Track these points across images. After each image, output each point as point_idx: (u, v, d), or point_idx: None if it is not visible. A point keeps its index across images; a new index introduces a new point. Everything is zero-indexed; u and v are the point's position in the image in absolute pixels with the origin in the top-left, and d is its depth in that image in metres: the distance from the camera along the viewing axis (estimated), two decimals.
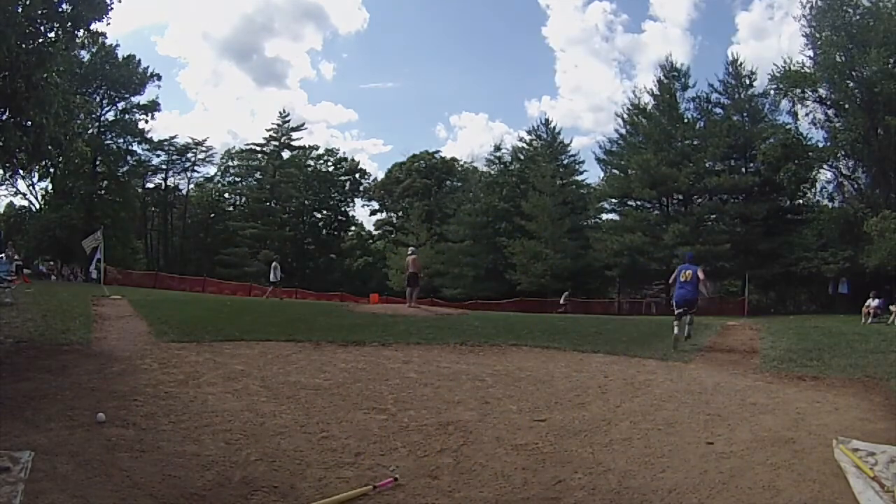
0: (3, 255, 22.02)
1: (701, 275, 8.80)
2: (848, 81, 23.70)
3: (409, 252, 14.80)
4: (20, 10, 6.24)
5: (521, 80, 73.55)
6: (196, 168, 45.26)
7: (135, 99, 33.81)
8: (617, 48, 66.89)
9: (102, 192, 33.54)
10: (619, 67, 69.66)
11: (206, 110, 71.62)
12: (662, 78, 31.19)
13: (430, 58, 76.84)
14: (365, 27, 73.46)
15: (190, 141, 43.69)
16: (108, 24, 7.79)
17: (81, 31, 7.29)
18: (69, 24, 6.96)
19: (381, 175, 51.41)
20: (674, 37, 58.90)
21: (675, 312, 8.63)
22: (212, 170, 47.34)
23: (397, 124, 79.22)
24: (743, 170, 29.07)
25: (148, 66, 33.63)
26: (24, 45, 6.44)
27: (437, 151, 49.32)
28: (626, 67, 71.41)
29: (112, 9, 7.41)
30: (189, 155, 43.98)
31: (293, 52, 75.93)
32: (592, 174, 65.25)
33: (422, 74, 75.53)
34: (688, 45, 61.08)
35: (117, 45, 30.92)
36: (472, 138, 71.53)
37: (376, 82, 78.87)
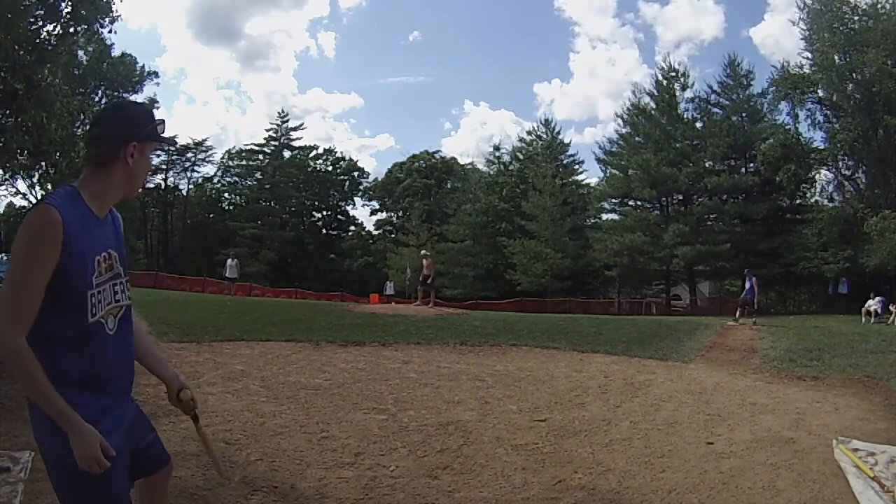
0: (2, 255, 22.02)
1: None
2: (847, 82, 23.71)
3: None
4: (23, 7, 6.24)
5: (531, 68, 73.41)
6: (196, 168, 45.36)
7: (133, 98, 33.89)
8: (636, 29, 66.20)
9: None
10: (639, 47, 67.82)
11: (202, 105, 71.88)
12: (661, 78, 31.28)
13: (435, 51, 76.92)
14: (367, 20, 73.76)
15: (190, 141, 43.79)
16: (114, 32, 7.79)
17: (81, 29, 7.27)
18: (72, 22, 6.95)
19: (382, 172, 51.55)
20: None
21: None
22: (211, 170, 47.46)
23: (400, 121, 79.36)
24: (743, 170, 29.08)
25: (145, 65, 33.80)
26: (24, 44, 6.44)
27: (437, 151, 49.59)
28: (647, 53, 69.88)
29: (118, 15, 7.42)
30: (189, 155, 44.05)
31: (293, 50, 76.18)
32: (592, 174, 65.38)
33: (425, 68, 75.81)
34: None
35: (112, 44, 30.99)
36: (479, 130, 71.77)
37: (380, 77, 79.04)
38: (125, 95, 33.52)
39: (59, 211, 1.34)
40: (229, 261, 21.12)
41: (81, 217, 1.40)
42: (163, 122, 1.56)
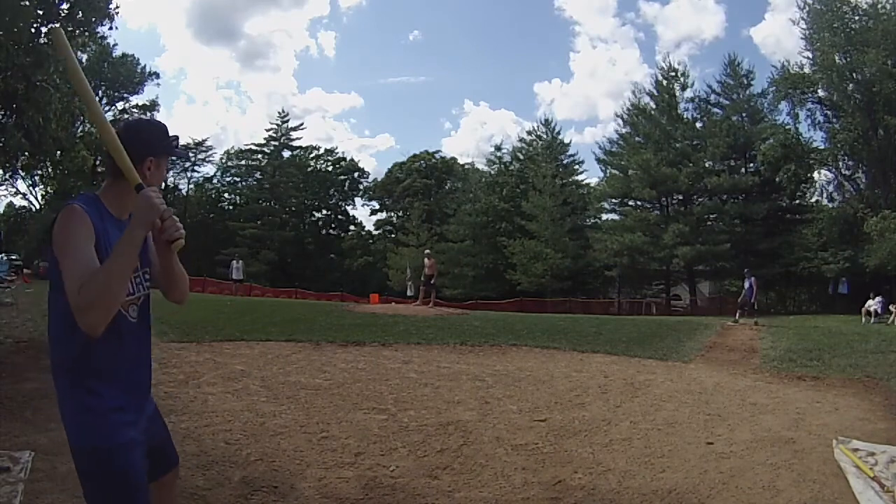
0: (2, 255, 22.06)
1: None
2: (847, 82, 23.71)
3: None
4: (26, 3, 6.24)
5: (531, 68, 73.40)
6: (196, 168, 45.34)
7: (133, 99, 33.93)
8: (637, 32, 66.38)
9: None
10: (639, 46, 67.46)
11: (201, 105, 71.92)
12: (661, 78, 31.28)
13: (435, 51, 76.94)
14: (367, 20, 73.71)
15: (190, 141, 43.75)
16: (115, 28, 7.79)
17: (80, 30, 7.26)
18: (69, 25, 6.94)
19: (382, 172, 51.55)
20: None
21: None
22: (211, 170, 47.42)
23: (400, 121, 79.32)
24: (743, 170, 29.07)
25: (146, 65, 33.79)
26: (24, 44, 6.44)
27: (438, 151, 49.54)
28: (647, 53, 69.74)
29: (115, 13, 7.42)
30: (189, 155, 43.92)
31: (293, 49, 76.25)
32: (592, 174, 65.28)
33: (425, 68, 75.80)
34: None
35: (115, 45, 31.03)
36: (479, 130, 71.68)
37: (380, 77, 79.04)
38: (126, 96, 33.57)
39: (82, 207, 1.45)
40: (234, 262, 21.16)
41: (101, 217, 1.50)
42: (177, 137, 1.68)
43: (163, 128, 1.65)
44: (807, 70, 25.60)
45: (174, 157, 1.80)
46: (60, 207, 1.49)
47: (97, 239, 1.43)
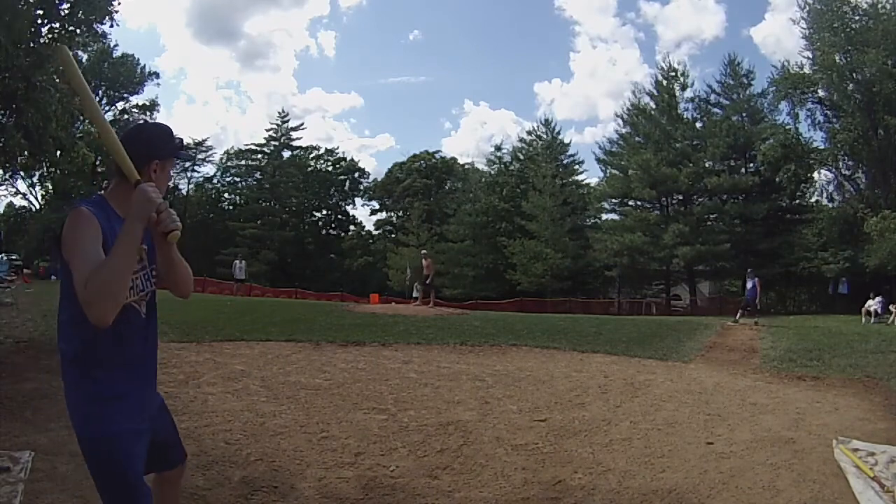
0: (2, 255, 22.07)
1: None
2: (847, 82, 23.70)
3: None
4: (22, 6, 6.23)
5: (531, 68, 73.36)
6: (196, 168, 45.33)
7: (133, 99, 33.90)
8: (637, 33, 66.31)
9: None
10: (639, 46, 67.30)
11: (201, 105, 71.91)
12: (661, 78, 31.28)
13: (435, 51, 76.93)
14: (367, 20, 73.68)
15: (190, 141, 43.69)
16: (116, 25, 7.79)
17: (81, 30, 7.27)
18: (70, 25, 6.95)
19: (382, 172, 51.55)
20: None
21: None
22: (211, 170, 47.41)
23: (400, 121, 79.29)
24: (743, 170, 29.07)
25: (146, 65, 33.78)
26: (21, 46, 6.43)
27: (438, 151, 49.54)
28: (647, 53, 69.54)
29: (115, 11, 7.43)
30: (193, 156, 43.89)
31: (293, 49, 76.25)
32: (592, 174, 65.23)
33: (425, 68, 75.75)
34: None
35: (116, 45, 31.04)
36: (479, 130, 71.67)
37: (380, 77, 79.02)
38: (126, 96, 33.57)
39: (89, 210, 1.50)
40: (236, 262, 21.18)
41: (108, 218, 1.54)
42: (182, 140, 1.72)
43: (168, 131, 1.68)
44: (807, 70, 25.60)
45: (180, 160, 1.85)
46: (68, 210, 1.53)
47: (105, 239, 1.48)
